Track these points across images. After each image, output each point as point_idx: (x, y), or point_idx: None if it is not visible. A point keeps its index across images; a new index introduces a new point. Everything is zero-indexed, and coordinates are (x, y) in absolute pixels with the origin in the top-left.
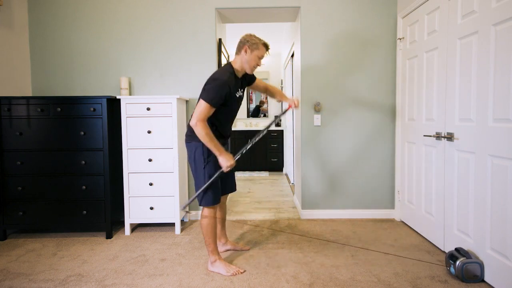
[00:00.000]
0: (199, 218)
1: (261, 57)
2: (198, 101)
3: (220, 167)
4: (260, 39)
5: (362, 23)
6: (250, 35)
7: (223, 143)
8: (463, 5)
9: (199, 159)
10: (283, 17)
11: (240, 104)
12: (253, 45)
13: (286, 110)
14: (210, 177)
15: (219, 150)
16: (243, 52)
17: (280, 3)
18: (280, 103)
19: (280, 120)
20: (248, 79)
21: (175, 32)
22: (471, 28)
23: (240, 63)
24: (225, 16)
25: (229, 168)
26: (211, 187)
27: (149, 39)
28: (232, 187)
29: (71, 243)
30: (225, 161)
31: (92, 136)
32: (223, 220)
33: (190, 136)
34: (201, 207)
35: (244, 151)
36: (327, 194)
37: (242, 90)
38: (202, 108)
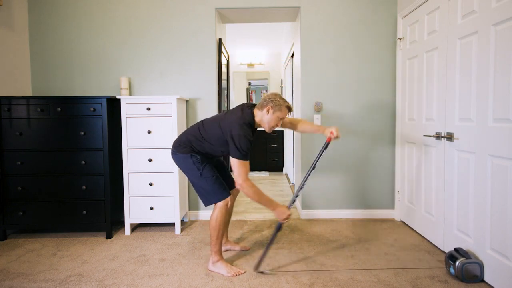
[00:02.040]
0: (199, 218)
1: (282, 119)
2: (231, 157)
3: (213, 170)
4: (284, 101)
5: (362, 23)
6: (275, 95)
7: (212, 158)
8: (463, 5)
9: (191, 169)
10: (283, 17)
11: None
12: (276, 106)
13: (327, 144)
14: (210, 179)
15: (272, 205)
16: (265, 110)
17: (280, 3)
18: None
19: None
20: None
21: (175, 32)
22: (471, 28)
23: (260, 119)
24: (225, 16)
25: (286, 220)
26: (217, 182)
27: (149, 39)
28: (230, 184)
29: (71, 243)
30: (281, 213)
31: (92, 136)
32: (227, 221)
33: (177, 147)
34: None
35: (295, 199)
36: (327, 194)
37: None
38: (242, 167)
